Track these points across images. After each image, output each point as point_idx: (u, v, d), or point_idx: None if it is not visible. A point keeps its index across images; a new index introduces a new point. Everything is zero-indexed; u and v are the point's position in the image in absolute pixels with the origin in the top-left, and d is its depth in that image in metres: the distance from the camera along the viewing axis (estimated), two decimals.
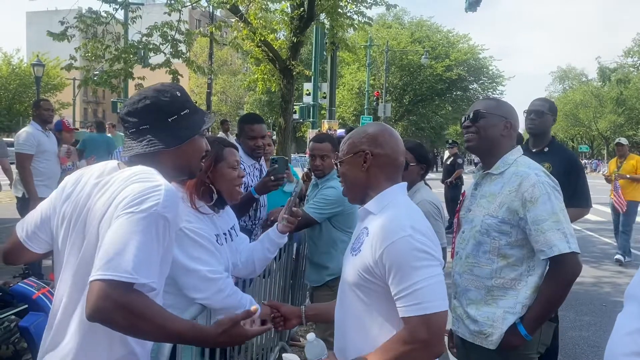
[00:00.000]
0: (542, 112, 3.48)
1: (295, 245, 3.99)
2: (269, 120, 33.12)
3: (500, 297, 2.17)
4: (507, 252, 2.15)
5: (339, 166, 1.78)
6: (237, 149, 2.27)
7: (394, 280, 1.51)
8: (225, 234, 2.16)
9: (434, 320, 1.47)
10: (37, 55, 20.14)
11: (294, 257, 4.07)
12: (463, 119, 2.37)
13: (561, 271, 2.07)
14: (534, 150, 3.52)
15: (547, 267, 2.14)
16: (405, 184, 1.76)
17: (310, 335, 1.71)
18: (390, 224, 1.57)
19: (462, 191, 2.81)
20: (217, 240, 2.07)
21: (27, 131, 5.56)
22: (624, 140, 8.46)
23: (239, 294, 2.07)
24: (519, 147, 2.31)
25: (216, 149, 2.14)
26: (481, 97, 37.52)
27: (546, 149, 3.51)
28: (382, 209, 1.66)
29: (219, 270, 2.01)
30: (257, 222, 3.51)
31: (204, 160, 1.70)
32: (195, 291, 1.95)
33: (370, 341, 1.60)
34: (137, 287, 1.31)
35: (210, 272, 1.96)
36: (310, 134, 14.31)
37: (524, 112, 3.57)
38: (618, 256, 8.22)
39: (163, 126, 1.56)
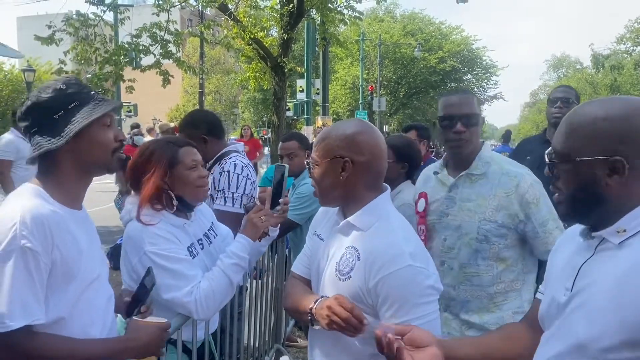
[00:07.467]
0: (569, 100, 3.14)
1: (287, 249, 3.94)
2: (264, 118, 32.98)
3: (503, 302, 2.12)
4: (505, 254, 2.10)
5: (311, 168, 1.57)
6: (194, 147, 2.05)
7: (388, 310, 1.41)
8: (200, 240, 2.03)
9: None
10: (27, 61, 19.98)
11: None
12: (447, 121, 2.10)
13: None
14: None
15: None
16: (388, 190, 1.60)
17: (284, 358, 1.65)
18: (387, 249, 1.43)
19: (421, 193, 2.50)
20: (191, 253, 1.93)
21: (7, 137, 5.45)
22: None
23: (219, 282, 1.89)
24: (485, 142, 2.22)
25: (170, 152, 1.95)
26: (475, 89, 37.74)
27: None
28: (371, 225, 1.50)
29: (190, 290, 1.84)
30: None
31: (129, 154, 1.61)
32: (181, 313, 1.84)
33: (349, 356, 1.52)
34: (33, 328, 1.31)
35: (185, 296, 1.81)
36: (305, 130, 14.26)
37: (548, 100, 3.31)
38: None
39: (50, 125, 1.43)
